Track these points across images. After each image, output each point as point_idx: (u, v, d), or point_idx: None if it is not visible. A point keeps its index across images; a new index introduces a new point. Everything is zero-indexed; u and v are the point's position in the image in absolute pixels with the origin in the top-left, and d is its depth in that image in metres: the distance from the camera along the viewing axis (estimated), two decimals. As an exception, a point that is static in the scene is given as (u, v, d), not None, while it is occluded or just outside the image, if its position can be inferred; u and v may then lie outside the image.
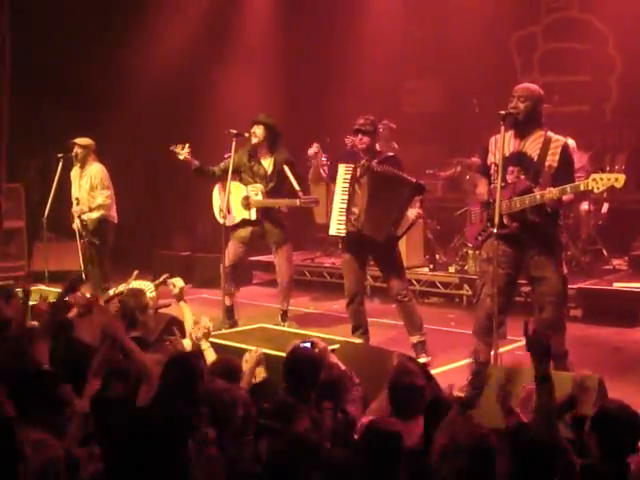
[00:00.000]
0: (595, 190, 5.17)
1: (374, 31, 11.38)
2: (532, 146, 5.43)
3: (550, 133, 5.45)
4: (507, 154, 5.42)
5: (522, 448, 2.98)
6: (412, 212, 6.58)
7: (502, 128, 5.31)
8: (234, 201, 7.58)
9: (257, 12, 12.10)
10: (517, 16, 11.27)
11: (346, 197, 6.66)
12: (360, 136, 6.62)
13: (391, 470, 2.94)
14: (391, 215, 6.53)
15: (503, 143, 5.34)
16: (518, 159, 5.44)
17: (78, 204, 8.49)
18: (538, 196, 5.27)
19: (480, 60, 10.96)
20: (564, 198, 5.36)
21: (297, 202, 7.40)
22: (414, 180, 6.52)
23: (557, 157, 5.36)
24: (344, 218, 6.66)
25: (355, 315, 6.80)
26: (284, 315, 7.84)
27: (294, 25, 11.98)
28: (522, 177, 5.41)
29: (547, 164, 5.36)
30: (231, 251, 7.64)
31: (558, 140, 5.42)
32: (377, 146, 6.79)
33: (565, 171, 5.38)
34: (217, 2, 11.81)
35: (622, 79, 10.75)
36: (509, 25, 11.39)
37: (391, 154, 6.78)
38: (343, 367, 4.40)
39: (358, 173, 6.67)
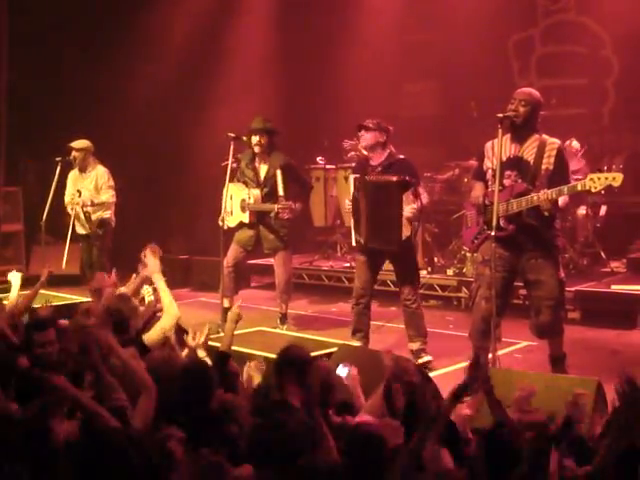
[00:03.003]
0: (593, 190, 5.16)
1: (372, 34, 11.39)
2: (528, 150, 5.44)
3: (545, 136, 5.47)
4: (504, 158, 5.42)
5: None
6: (407, 210, 6.30)
7: (500, 131, 5.31)
8: (236, 203, 7.75)
9: (255, 14, 12.10)
10: (515, 19, 11.27)
11: (352, 211, 6.72)
12: (362, 132, 6.55)
13: (374, 473, 2.94)
14: (391, 221, 6.40)
15: (501, 145, 5.34)
16: (515, 163, 5.45)
17: (80, 195, 8.48)
18: (535, 197, 5.28)
19: (478, 63, 10.96)
20: (560, 202, 5.36)
21: (275, 207, 7.47)
22: (395, 178, 6.38)
23: (552, 159, 5.37)
24: (355, 232, 6.71)
25: (359, 317, 6.71)
26: (283, 318, 7.86)
27: (292, 27, 11.98)
28: (519, 181, 5.42)
29: (543, 167, 5.37)
30: (231, 254, 7.77)
31: (553, 143, 5.43)
32: (389, 147, 6.60)
33: (560, 172, 5.38)
34: (216, 5, 11.81)
35: (619, 82, 10.76)
36: (507, 28, 11.39)
37: (401, 157, 6.61)
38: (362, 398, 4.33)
39: (358, 187, 6.69)
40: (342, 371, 4.41)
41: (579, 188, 5.19)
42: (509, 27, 11.41)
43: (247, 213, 7.70)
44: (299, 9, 11.98)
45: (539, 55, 11.49)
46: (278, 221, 7.62)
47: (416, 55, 11.84)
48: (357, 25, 11.62)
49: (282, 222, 7.64)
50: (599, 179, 5.09)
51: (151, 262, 5.37)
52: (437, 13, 11.41)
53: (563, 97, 9.92)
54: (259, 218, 7.70)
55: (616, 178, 5.10)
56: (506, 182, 5.42)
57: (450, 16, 11.12)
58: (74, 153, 8.55)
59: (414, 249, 6.74)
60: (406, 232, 6.35)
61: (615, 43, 10.69)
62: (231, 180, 7.59)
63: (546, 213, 5.34)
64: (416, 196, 6.35)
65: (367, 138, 6.55)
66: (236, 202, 7.75)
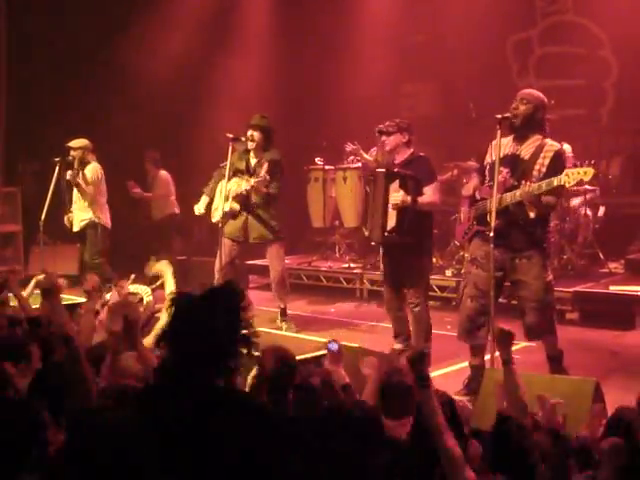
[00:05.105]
0: (567, 185, 5.25)
1: (371, 34, 11.40)
2: (526, 150, 5.46)
3: (548, 140, 5.47)
4: (502, 155, 5.43)
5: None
6: (394, 197, 6.27)
7: (498, 132, 5.32)
8: (222, 197, 7.66)
9: (255, 14, 12.12)
10: (513, 20, 11.28)
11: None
12: (384, 137, 6.53)
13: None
14: (377, 212, 6.45)
15: (499, 147, 5.35)
16: (510, 161, 5.47)
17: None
18: (518, 192, 5.31)
19: (476, 64, 10.98)
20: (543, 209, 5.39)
21: (251, 181, 7.41)
22: (383, 170, 6.46)
23: (547, 162, 5.38)
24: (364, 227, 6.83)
25: (395, 321, 6.73)
26: (283, 312, 7.84)
27: (291, 28, 11.99)
28: (510, 178, 5.44)
29: (537, 168, 5.39)
30: (224, 250, 7.61)
31: (552, 146, 5.44)
32: (409, 146, 6.54)
33: (552, 176, 5.37)
34: (215, 3, 11.81)
35: (618, 83, 10.76)
36: (505, 29, 11.40)
37: (421, 154, 6.57)
38: (347, 379, 4.34)
39: (368, 181, 6.84)
40: (332, 346, 4.44)
41: (555, 183, 5.24)
42: (507, 28, 11.41)
43: (230, 201, 7.57)
44: (298, 11, 11.99)
45: (538, 56, 11.49)
46: (266, 212, 7.56)
47: (415, 56, 11.85)
48: (356, 26, 11.63)
49: (272, 214, 7.59)
50: (572, 174, 5.17)
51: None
52: (436, 14, 11.43)
53: (562, 98, 9.90)
54: (244, 206, 7.58)
55: (587, 172, 5.18)
56: (498, 178, 5.43)
57: (449, 17, 11.14)
58: (72, 152, 8.56)
59: (424, 251, 6.64)
60: (391, 223, 6.32)
61: (614, 44, 10.69)
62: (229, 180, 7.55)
63: (532, 214, 5.34)
64: (405, 187, 6.28)
65: (390, 142, 6.50)
66: (222, 196, 7.65)
